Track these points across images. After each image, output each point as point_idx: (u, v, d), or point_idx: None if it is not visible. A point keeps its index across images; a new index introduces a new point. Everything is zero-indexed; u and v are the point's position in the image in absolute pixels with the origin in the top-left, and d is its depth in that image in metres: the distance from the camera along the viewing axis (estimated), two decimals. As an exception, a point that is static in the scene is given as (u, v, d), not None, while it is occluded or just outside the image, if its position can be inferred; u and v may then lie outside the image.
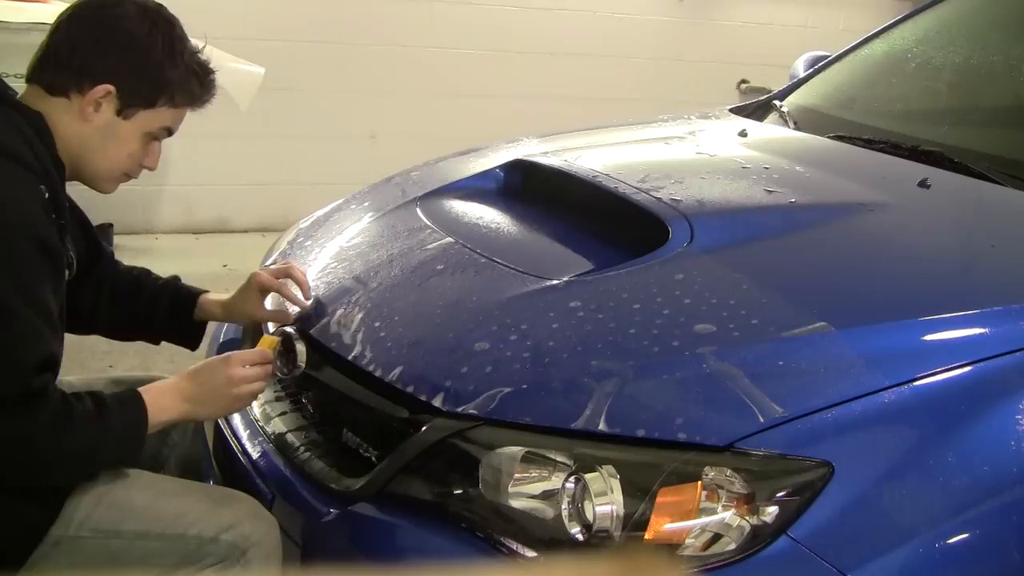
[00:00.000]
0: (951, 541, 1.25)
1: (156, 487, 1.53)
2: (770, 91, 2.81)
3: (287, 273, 1.75)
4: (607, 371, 1.36)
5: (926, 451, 1.28)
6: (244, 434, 1.70)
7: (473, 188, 2.12)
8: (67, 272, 1.47)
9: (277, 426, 1.67)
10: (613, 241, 1.75)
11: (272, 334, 1.69)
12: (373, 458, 1.49)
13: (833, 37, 5.23)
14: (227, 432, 1.74)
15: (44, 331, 1.34)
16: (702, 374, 1.34)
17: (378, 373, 1.50)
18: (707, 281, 1.54)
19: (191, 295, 1.78)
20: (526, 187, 2.11)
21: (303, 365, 1.64)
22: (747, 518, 1.25)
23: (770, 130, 2.46)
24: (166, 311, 1.76)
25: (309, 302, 1.73)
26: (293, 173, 5.00)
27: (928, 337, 1.43)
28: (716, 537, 1.26)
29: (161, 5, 1.54)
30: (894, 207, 1.86)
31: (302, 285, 1.74)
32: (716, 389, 1.32)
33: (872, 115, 2.49)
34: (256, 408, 1.73)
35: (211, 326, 1.91)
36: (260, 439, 1.67)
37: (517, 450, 1.34)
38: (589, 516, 1.28)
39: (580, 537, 1.29)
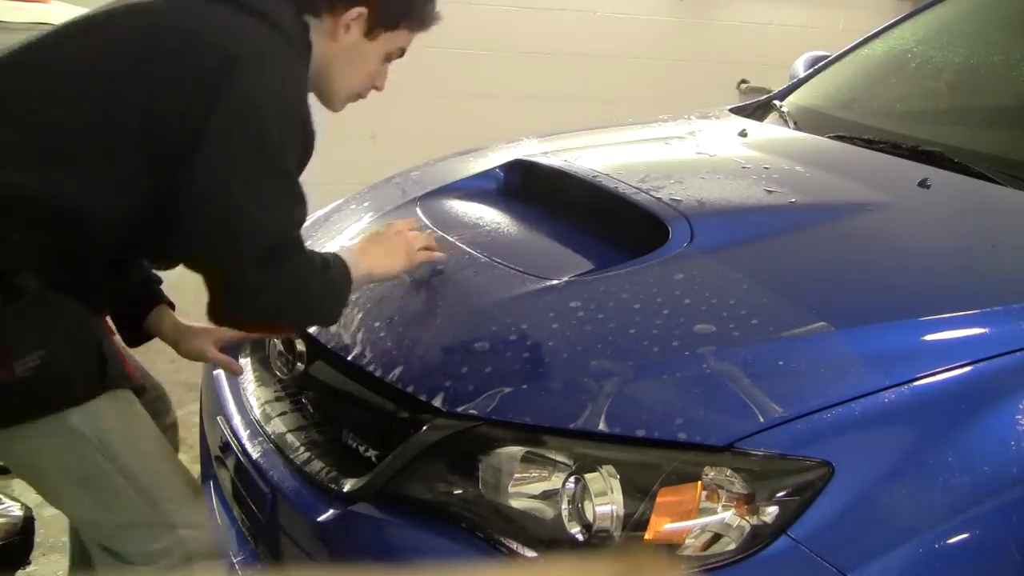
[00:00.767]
0: (951, 541, 1.25)
1: (166, 451, 1.58)
2: (770, 91, 2.80)
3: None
4: (607, 371, 1.36)
5: (926, 451, 1.28)
6: (244, 434, 1.71)
7: (473, 188, 2.13)
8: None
9: (277, 426, 1.67)
10: (613, 241, 1.75)
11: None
12: (373, 458, 1.49)
13: (833, 37, 5.23)
14: (227, 432, 1.74)
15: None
16: (702, 374, 1.34)
17: (378, 373, 1.50)
18: (707, 281, 1.54)
19: (151, 301, 1.74)
20: (526, 187, 2.11)
21: (303, 365, 1.64)
22: (747, 518, 1.25)
23: (770, 130, 2.45)
24: (127, 301, 1.71)
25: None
26: (293, 173, 5.00)
27: (928, 337, 1.43)
28: (716, 537, 1.26)
29: None
30: (894, 207, 1.86)
31: None
32: (716, 389, 1.32)
33: (872, 115, 2.48)
34: (256, 408, 1.74)
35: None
36: (260, 439, 1.68)
37: (517, 450, 1.34)
38: (589, 516, 1.29)
39: (580, 537, 1.29)
